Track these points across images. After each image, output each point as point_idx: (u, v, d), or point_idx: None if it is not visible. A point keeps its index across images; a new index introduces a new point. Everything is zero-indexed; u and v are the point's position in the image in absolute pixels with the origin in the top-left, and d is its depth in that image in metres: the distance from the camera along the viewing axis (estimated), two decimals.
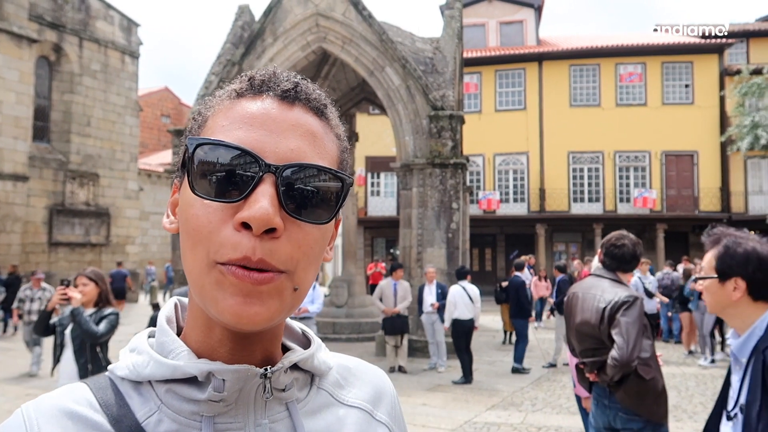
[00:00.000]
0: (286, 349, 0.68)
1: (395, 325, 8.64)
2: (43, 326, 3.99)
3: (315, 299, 7.55)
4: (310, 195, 0.57)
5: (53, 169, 17.52)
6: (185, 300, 0.68)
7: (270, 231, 0.54)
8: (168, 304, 0.67)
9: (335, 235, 0.66)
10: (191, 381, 0.59)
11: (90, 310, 3.91)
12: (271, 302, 0.55)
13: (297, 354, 0.65)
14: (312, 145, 0.59)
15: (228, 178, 0.55)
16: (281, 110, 0.59)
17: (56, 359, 3.94)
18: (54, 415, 0.55)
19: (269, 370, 0.60)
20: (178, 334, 0.64)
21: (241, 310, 0.54)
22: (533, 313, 11.63)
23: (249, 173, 0.55)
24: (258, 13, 11.64)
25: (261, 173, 0.55)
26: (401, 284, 8.79)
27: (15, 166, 15.50)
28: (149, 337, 0.64)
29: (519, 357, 8.76)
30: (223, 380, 0.57)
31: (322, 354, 0.69)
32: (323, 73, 12.99)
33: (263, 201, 0.53)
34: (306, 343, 0.71)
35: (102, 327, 3.78)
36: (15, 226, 15.45)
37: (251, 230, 0.53)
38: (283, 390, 0.62)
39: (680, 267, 11.61)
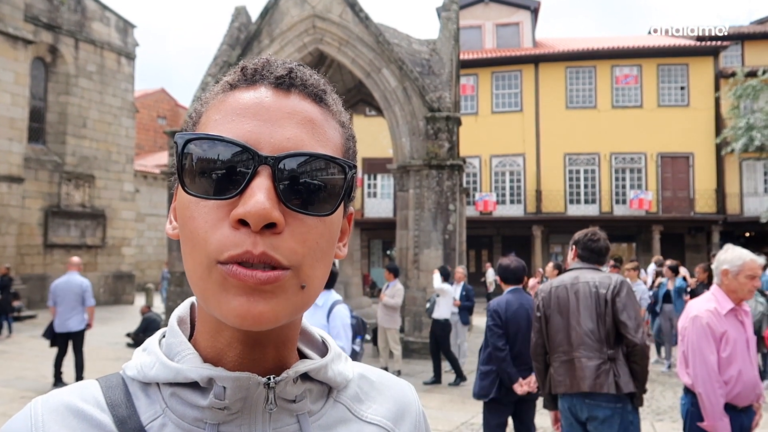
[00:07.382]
0: (303, 356, 0.65)
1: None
2: None
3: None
4: (310, 185, 0.53)
5: (49, 170, 17.45)
6: None
7: (270, 226, 0.50)
8: (184, 304, 0.64)
9: (348, 230, 0.63)
10: (195, 386, 0.56)
11: None
12: (275, 301, 0.52)
13: (306, 364, 0.60)
14: (311, 133, 0.55)
15: (221, 173, 0.51)
16: (276, 98, 0.56)
17: None
18: (60, 412, 0.55)
19: (273, 380, 0.56)
20: (192, 336, 0.61)
21: (246, 310, 0.50)
22: None
23: (243, 167, 0.51)
24: (255, 14, 11.64)
25: (256, 166, 0.51)
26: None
27: (10, 167, 15.41)
28: (162, 337, 0.62)
29: None
30: (224, 387, 0.55)
31: (339, 365, 0.64)
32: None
33: (259, 195, 0.50)
34: (325, 351, 0.66)
35: None
36: (10, 228, 15.36)
37: (250, 227, 0.50)
38: (293, 401, 0.59)
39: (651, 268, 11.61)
